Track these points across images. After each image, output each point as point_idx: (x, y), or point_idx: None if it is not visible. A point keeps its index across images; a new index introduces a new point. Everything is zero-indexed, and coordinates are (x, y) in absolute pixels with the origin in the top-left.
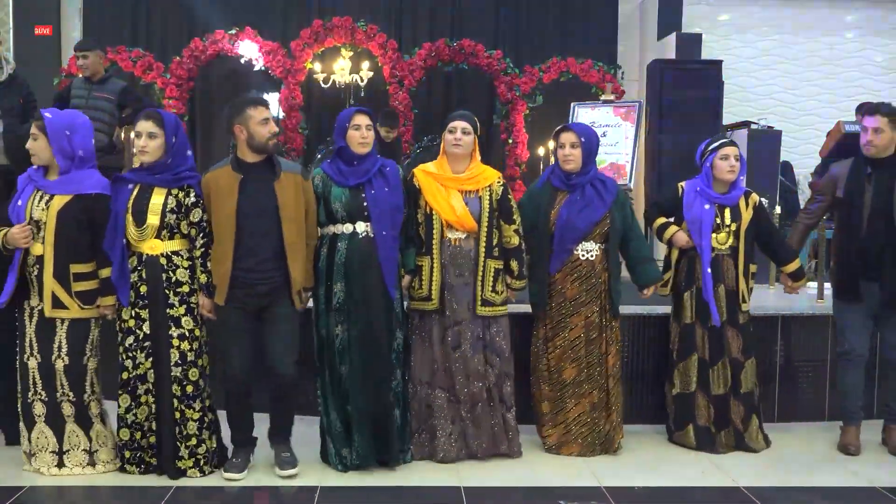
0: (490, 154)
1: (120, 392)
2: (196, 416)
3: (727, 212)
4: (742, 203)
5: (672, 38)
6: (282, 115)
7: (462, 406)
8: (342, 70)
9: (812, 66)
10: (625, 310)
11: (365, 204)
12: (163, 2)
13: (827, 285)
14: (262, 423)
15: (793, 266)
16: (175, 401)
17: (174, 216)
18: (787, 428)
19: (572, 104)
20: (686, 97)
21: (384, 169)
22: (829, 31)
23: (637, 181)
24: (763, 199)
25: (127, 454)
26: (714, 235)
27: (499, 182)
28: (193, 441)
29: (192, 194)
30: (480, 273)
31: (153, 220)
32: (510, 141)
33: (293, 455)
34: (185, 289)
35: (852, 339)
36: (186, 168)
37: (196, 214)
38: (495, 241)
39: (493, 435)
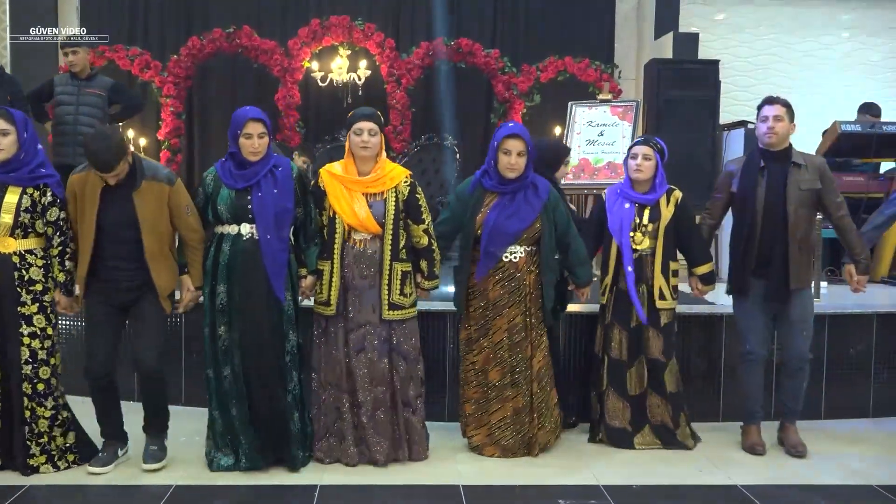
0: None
1: None
2: (48, 413)
3: (646, 212)
4: (663, 201)
5: (669, 37)
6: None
7: (363, 411)
8: (340, 69)
9: (808, 66)
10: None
11: (249, 206)
12: (160, 0)
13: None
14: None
15: (704, 269)
16: (25, 399)
17: (28, 215)
18: None
19: (570, 103)
20: (683, 97)
21: (275, 170)
22: (825, 31)
23: None
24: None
25: None
26: (631, 235)
27: (405, 182)
28: (45, 438)
29: (48, 193)
30: (387, 277)
31: (6, 218)
32: None
33: (161, 449)
34: (39, 287)
35: (753, 340)
36: (38, 163)
37: (53, 213)
38: (402, 244)
39: (395, 440)
